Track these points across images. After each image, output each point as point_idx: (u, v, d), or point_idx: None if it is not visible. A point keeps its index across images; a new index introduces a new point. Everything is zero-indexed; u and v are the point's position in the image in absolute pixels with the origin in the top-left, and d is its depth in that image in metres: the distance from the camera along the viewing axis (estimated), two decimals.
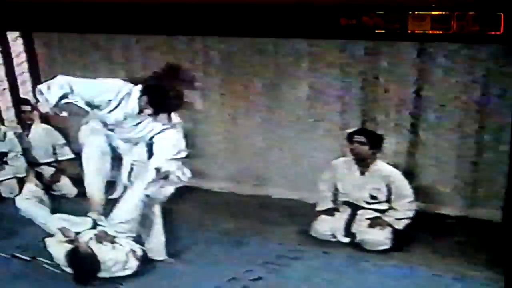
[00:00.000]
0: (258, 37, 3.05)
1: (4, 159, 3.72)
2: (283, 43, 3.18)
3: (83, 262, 3.10)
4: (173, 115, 2.94)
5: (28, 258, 3.39)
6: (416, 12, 2.43)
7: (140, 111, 2.93)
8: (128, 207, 3.09)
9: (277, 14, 2.59)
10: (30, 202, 3.41)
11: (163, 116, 2.94)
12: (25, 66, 3.52)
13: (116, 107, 2.91)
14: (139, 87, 2.90)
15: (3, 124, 3.69)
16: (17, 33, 3.44)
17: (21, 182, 3.67)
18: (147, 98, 2.88)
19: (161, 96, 2.88)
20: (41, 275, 3.30)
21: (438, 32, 2.42)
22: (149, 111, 2.90)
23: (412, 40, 2.76)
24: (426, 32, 2.42)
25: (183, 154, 3.06)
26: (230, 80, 3.33)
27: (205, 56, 3.31)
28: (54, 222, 3.22)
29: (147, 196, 3.07)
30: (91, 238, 3.14)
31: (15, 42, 3.45)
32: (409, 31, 2.46)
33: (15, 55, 3.50)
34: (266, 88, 3.29)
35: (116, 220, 3.09)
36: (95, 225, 3.13)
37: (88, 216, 3.11)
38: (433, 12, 2.41)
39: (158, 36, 3.28)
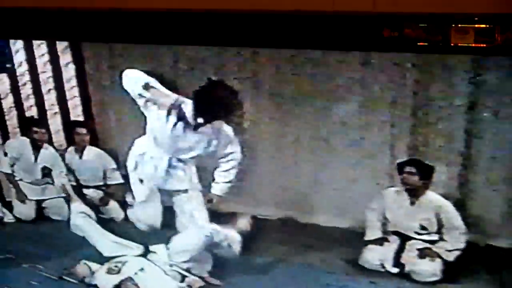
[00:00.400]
0: (300, 49, 3.03)
1: (49, 178, 3.79)
2: (334, 66, 3.16)
3: None
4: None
5: (75, 281, 3.42)
6: (459, 25, 2.41)
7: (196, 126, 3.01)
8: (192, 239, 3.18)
9: (319, 25, 2.59)
10: (85, 220, 3.47)
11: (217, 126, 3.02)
12: (76, 90, 3.56)
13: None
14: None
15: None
16: (69, 59, 3.49)
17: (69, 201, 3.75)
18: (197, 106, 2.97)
19: (211, 102, 2.96)
20: None
21: (481, 45, 2.40)
22: (201, 119, 2.98)
23: (455, 53, 2.70)
24: (470, 45, 2.41)
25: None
26: (279, 106, 3.34)
27: (253, 81, 3.32)
28: (106, 243, 3.31)
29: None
30: (136, 273, 3.21)
31: (67, 67, 3.51)
32: (452, 44, 2.45)
33: (66, 81, 3.55)
34: (315, 114, 3.28)
35: (178, 249, 3.16)
36: (146, 251, 3.18)
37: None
38: (476, 25, 2.39)
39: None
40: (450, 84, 3.04)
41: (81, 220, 3.52)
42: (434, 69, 3.02)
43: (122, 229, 3.52)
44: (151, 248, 3.30)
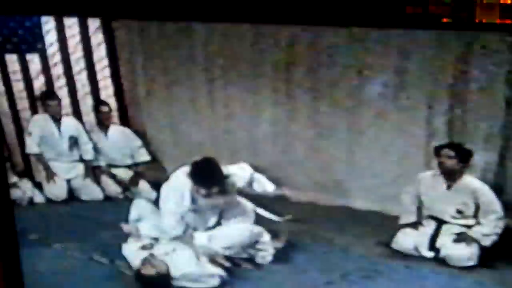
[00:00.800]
0: (322, 25, 2.98)
1: (76, 149, 3.78)
2: (367, 45, 3.10)
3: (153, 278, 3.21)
4: None
5: (106, 262, 3.46)
6: (484, 1, 2.38)
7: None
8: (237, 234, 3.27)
9: (341, 2, 2.56)
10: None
11: None
12: (107, 71, 3.53)
13: None
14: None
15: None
16: (100, 39, 3.46)
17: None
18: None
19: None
20: (119, 280, 3.40)
21: (507, 21, 2.38)
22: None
23: (479, 30, 2.67)
24: (495, 22, 2.38)
25: None
26: (313, 89, 3.29)
27: (290, 71, 3.27)
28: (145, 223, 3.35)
29: None
30: (167, 253, 3.25)
31: (98, 48, 3.49)
32: (476, 21, 2.43)
33: (97, 61, 3.53)
34: (349, 96, 3.23)
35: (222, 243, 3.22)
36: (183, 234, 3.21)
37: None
38: (501, 2, 2.36)
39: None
40: (491, 64, 2.95)
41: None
42: (474, 46, 2.94)
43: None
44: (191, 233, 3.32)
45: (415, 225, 3.23)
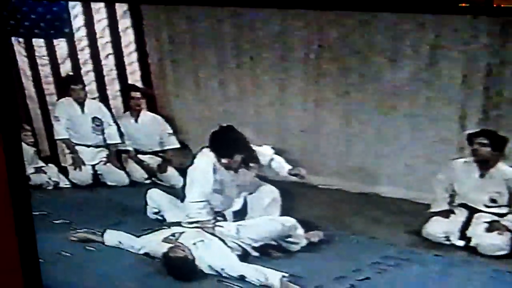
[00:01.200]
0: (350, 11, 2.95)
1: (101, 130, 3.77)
2: (400, 29, 3.04)
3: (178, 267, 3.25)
4: None
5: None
6: None
7: None
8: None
9: None
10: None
11: None
12: (135, 56, 3.50)
13: None
14: None
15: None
16: (128, 24, 3.43)
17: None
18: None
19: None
20: (142, 266, 3.44)
21: None
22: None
23: (497, 16, 2.61)
24: None
25: None
26: (344, 74, 3.24)
27: (319, 55, 3.23)
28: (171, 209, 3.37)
29: None
30: (194, 244, 3.24)
31: (126, 32, 3.46)
32: (494, 5, 2.40)
33: (125, 46, 3.50)
34: (380, 82, 3.17)
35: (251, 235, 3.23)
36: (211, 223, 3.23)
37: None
38: None
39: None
40: None
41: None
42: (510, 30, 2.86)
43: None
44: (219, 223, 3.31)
45: (446, 213, 3.17)
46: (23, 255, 3.62)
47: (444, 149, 3.18)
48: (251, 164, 3.25)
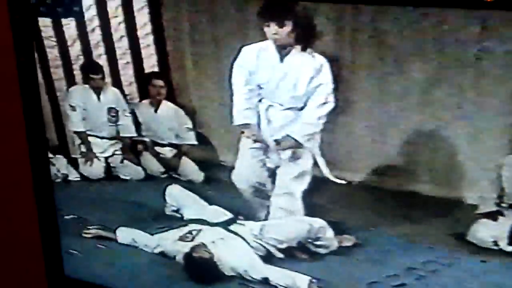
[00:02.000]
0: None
1: (117, 121, 3.55)
2: (450, 23, 2.78)
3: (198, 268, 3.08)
4: None
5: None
6: None
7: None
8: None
9: None
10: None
11: None
12: (151, 38, 3.24)
13: None
14: None
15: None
16: (143, 2, 3.17)
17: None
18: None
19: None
20: (158, 264, 3.29)
21: None
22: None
23: None
24: None
25: None
26: (382, 66, 2.97)
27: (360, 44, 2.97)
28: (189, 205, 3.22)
29: None
30: (213, 242, 3.05)
31: (141, 12, 3.20)
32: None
33: (140, 27, 3.23)
34: (421, 75, 2.90)
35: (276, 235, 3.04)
36: (232, 221, 3.01)
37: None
38: None
39: None
40: None
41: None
42: None
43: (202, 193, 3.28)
44: (240, 221, 3.10)
45: (494, 215, 2.91)
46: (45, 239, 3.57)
47: (493, 144, 2.91)
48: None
